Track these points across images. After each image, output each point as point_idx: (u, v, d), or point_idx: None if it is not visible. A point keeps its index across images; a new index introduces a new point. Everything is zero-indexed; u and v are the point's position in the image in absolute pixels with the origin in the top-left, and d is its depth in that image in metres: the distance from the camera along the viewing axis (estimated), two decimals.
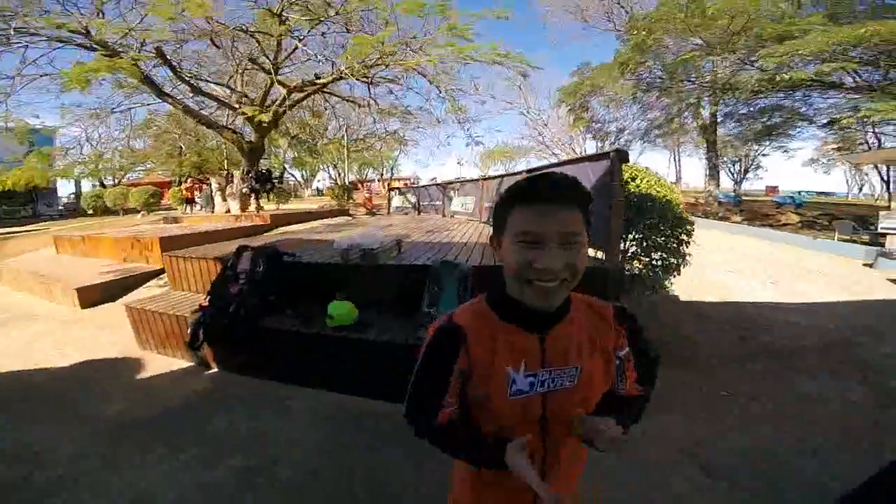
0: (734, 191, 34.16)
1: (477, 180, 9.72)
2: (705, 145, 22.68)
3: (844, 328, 4.87)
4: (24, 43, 8.39)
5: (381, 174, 40.42)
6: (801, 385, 3.55)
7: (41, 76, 9.04)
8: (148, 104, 12.15)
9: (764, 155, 32.95)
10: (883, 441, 2.69)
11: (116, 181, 24.58)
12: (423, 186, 14.39)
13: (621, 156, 3.31)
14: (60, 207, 25.17)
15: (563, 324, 0.86)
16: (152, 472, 2.42)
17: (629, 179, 4.03)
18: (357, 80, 10.46)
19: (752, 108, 19.34)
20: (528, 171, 6.06)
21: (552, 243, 0.75)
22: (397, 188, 16.24)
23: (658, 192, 3.98)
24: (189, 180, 17.53)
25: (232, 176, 12.59)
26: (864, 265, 8.56)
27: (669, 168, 39.90)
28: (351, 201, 18.21)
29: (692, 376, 3.67)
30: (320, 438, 2.74)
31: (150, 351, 4.29)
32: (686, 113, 21.43)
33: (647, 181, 4.04)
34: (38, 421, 2.98)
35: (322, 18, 9.85)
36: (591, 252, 4.15)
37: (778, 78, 13.44)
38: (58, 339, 4.70)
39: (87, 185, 24.37)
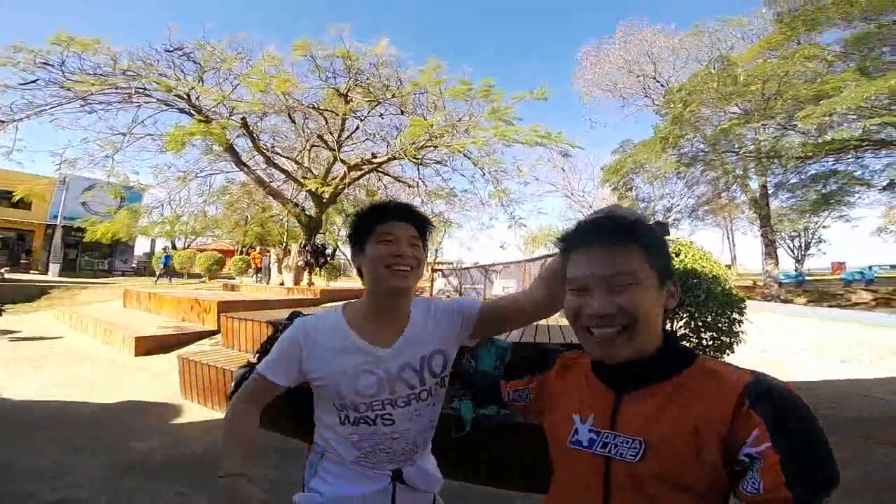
0: (796, 269, 31.78)
1: (519, 262, 9.82)
2: (758, 220, 21.55)
3: None
4: (139, 103, 9.67)
5: (426, 257, 41.56)
6: (887, 455, 3.33)
7: (147, 136, 10.20)
8: (227, 172, 13.27)
9: (825, 227, 30.75)
10: None
11: (186, 244, 26.67)
12: (464, 269, 14.59)
13: (662, 229, 3.33)
14: (134, 264, 27.09)
15: (652, 388, 0.73)
16: None
17: (673, 255, 3.97)
18: (409, 160, 11.29)
19: (803, 177, 18.29)
20: None
21: (599, 288, 0.71)
22: (440, 270, 16.50)
23: (703, 267, 3.91)
24: (259, 249, 18.81)
25: (289, 249, 13.42)
26: None
27: (723, 248, 38.01)
28: None
29: None
30: None
31: (191, 400, 4.46)
32: (734, 186, 20.54)
33: (692, 256, 3.97)
34: (76, 447, 3.23)
35: (380, 100, 11.03)
36: None
37: (821, 140, 13.01)
38: (110, 379, 5.17)
39: (158, 247, 26.38)
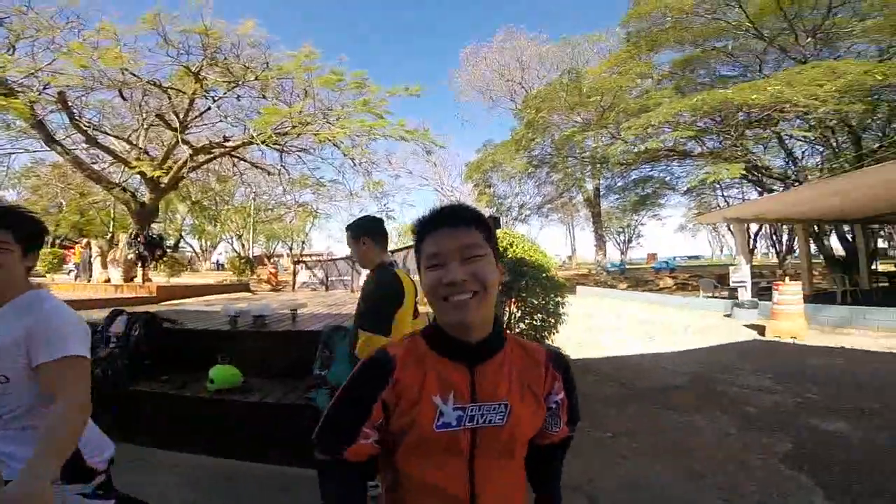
0: (621, 260, 38.23)
1: (388, 252, 9.97)
2: (592, 218, 25.15)
3: (707, 369, 5.63)
4: None
5: (291, 248, 39.00)
6: (675, 419, 4.01)
7: None
8: (33, 150, 11.24)
9: (642, 224, 37.73)
10: (749, 459, 3.13)
11: None
12: (331, 260, 14.15)
13: (494, 221, 3.79)
14: None
15: (494, 359, 0.85)
16: None
17: (507, 246, 4.54)
18: (267, 146, 10.57)
19: (627, 181, 21.91)
20: None
21: (454, 260, 0.79)
22: (303, 262, 15.73)
23: (531, 257, 4.52)
24: (80, 242, 15.60)
25: (117, 240, 11.39)
26: (725, 316, 10.08)
27: (566, 241, 43.35)
28: (254, 277, 17.34)
29: (582, 423, 3.94)
30: (188, 498, 2.64)
31: None
32: (573, 187, 23.53)
33: (522, 247, 4.58)
34: None
35: (240, 82, 10.09)
36: None
37: (636, 149, 15.14)
38: None
39: None
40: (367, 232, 2.20)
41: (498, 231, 3.94)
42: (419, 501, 0.83)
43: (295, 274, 14.50)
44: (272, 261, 25.96)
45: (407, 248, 8.69)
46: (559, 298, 4.61)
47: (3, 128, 9.62)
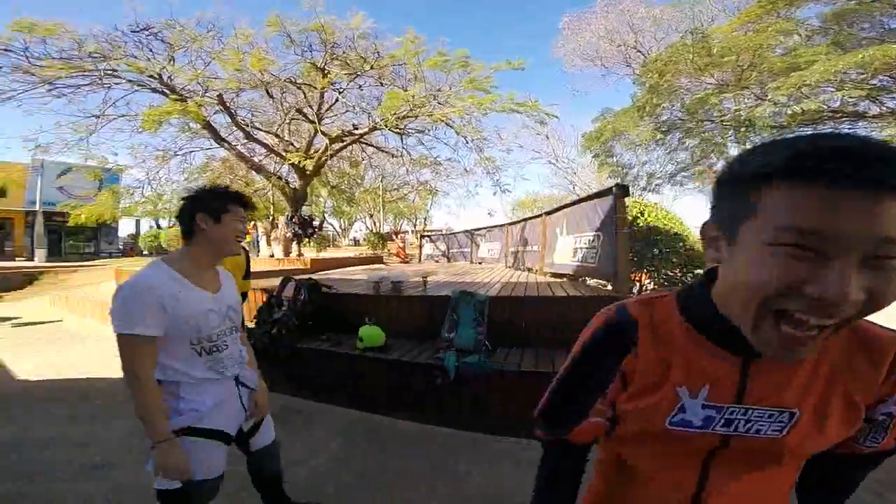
0: None
1: (502, 226, 10.09)
2: None
3: None
4: (109, 84, 9.60)
5: (415, 225, 41.50)
6: None
7: (120, 116, 10.15)
8: (206, 149, 13.21)
9: None
10: None
11: (172, 223, 26.44)
12: (452, 234, 14.95)
13: (622, 190, 3.58)
14: (120, 246, 26.96)
15: None
16: None
17: (638, 214, 4.25)
18: (391, 130, 11.29)
19: None
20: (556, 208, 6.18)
21: (851, 256, 0.43)
22: (428, 236, 16.88)
23: (665, 225, 4.16)
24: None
25: (276, 222, 13.47)
26: None
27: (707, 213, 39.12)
28: (385, 250, 18.95)
29: None
30: (337, 447, 3.00)
31: None
32: (712, 153, 21.45)
33: (655, 215, 4.24)
34: (96, 417, 3.54)
35: (359, 73, 10.95)
36: (597, 283, 4.32)
37: (789, 111, 13.45)
38: (114, 356, 5.23)
39: (144, 226, 26.16)
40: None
41: (627, 199, 3.72)
42: (630, 488, 0.71)
43: (420, 247, 15.57)
44: (399, 236, 28.22)
45: (524, 220, 8.67)
46: (699, 271, 4.19)
47: (183, 129, 11.25)
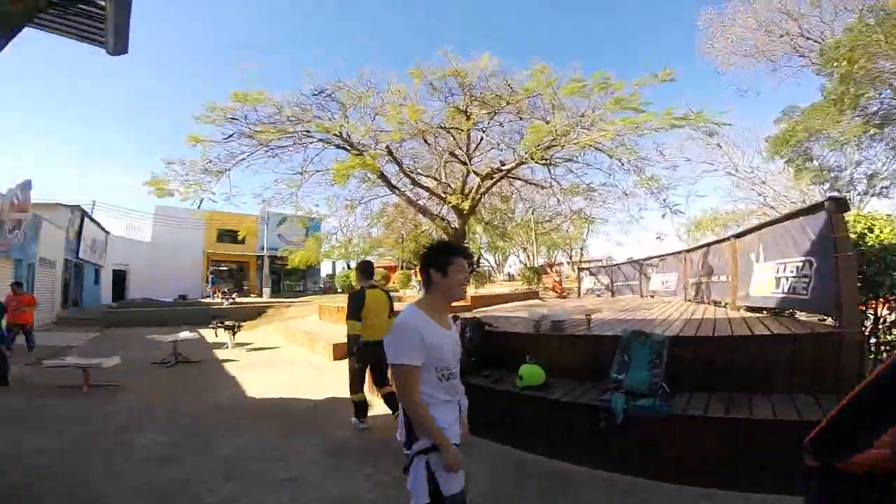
0: None
1: (678, 253, 8.97)
2: None
3: None
4: (306, 144, 11.36)
5: (570, 256, 39.88)
6: None
7: (316, 172, 11.85)
8: (381, 196, 14.78)
9: None
10: None
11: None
12: (615, 265, 13.84)
13: (837, 205, 2.81)
14: (321, 285, 32.67)
15: None
16: (356, 481, 3.14)
17: (865, 231, 3.30)
18: (537, 163, 11.23)
19: None
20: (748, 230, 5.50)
21: None
22: (587, 269, 15.95)
23: None
24: (410, 264, 20.82)
25: None
26: None
27: None
28: (541, 284, 18.60)
29: None
30: (481, 481, 3.01)
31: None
32: None
33: (892, 230, 3.23)
34: (296, 434, 4.20)
35: (497, 110, 11.33)
36: (815, 318, 3.49)
37: None
38: (316, 380, 6.53)
39: (339, 267, 30.98)
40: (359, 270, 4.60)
41: (847, 214, 2.93)
42: None
43: (580, 280, 14.79)
44: (554, 269, 27.38)
45: (706, 245, 7.54)
46: None
47: (363, 180, 12.74)
